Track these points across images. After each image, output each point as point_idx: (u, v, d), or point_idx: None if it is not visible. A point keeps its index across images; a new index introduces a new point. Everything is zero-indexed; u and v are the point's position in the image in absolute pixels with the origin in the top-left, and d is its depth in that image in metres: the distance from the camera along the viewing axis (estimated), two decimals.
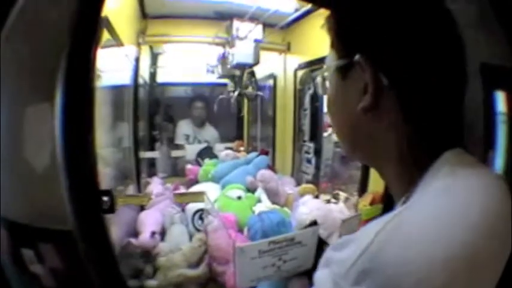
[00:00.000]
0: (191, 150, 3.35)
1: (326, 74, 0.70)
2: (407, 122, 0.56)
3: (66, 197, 0.88)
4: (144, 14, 2.64)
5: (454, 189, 0.49)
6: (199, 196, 1.90)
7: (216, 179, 2.59)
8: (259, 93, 2.99)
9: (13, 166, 0.92)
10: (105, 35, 1.52)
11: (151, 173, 3.08)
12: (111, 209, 1.10)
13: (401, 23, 0.56)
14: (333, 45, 0.64)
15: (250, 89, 2.92)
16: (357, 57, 0.57)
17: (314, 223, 1.66)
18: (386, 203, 1.68)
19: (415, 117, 0.56)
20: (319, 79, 0.73)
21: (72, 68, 0.88)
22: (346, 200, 2.26)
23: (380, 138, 0.60)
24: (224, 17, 2.62)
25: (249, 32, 2.54)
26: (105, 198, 1.04)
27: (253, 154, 2.92)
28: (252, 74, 2.90)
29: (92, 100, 0.93)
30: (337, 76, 0.63)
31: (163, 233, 1.89)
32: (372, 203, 1.83)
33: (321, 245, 1.61)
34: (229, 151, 3.15)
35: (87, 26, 0.91)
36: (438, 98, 0.56)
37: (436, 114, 0.56)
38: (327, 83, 0.70)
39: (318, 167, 2.92)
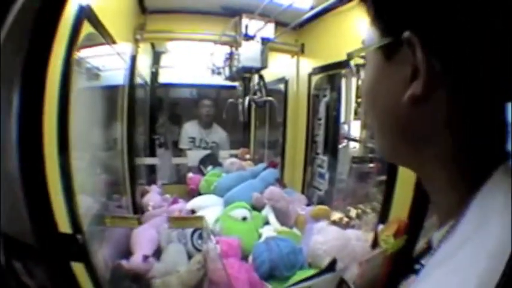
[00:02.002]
0: (193, 157, 3.24)
1: (362, 55, 0.61)
2: (462, 120, 0.49)
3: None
4: (143, 9, 2.46)
5: None
6: (197, 221, 1.77)
7: (219, 192, 2.49)
8: (269, 98, 2.77)
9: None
10: (87, 28, 1.32)
11: (151, 180, 2.98)
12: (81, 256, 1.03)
13: None
14: (374, 21, 0.55)
15: (258, 94, 2.69)
16: (406, 34, 0.47)
17: (333, 263, 1.49)
18: (412, 234, 1.55)
19: (473, 115, 0.48)
20: (352, 63, 0.67)
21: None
22: (359, 216, 2.17)
23: (428, 139, 0.52)
24: (232, 13, 2.43)
25: (258, 30, 2.34)
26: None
27: (261, 166, 2.83)
28: (261, 77, 2.68)
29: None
30: (379, 58, 0.54)
31: (159, 252, 1.81)
32: (396, 234, 1.62)
33: (341, 284, 1.45)
34: (234, 159, 3.06)
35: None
36: (503, 96, 0.49)
37: (497, 116, 0.50)
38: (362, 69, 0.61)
39: (331, 183, 2.74)
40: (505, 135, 0.51)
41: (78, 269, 1.04)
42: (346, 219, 2.14)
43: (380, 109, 0.57)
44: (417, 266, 1.48)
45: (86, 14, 1.25)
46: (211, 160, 3.17)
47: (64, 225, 0.99)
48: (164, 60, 3.45)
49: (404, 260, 1.49)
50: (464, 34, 0.46)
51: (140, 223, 1.82)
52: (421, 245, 1.54)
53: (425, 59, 0.47)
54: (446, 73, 0.47)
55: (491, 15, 0.45)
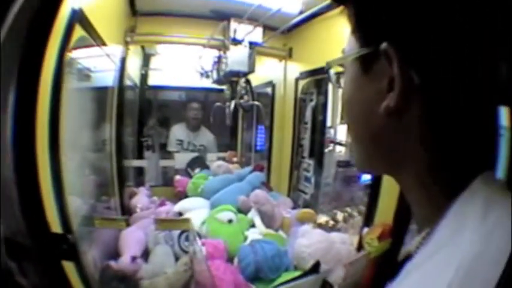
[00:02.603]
0: (181, 160, 3.23)
1: (337, 62, 0.63)
2: (437, 135, 0.48)
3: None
4: (134, 11, 2.46)
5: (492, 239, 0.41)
6: (184, 223, 1.77)
7: (206, 195, 2.50)
8: (256, 103, 2.77)
9: None
10: (79, 32, 1.33)
11: (139, 182, 2.96)
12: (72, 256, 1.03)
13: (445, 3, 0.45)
14: (354, 30, 0.55)
15: (245, 98, 2.69)
16: (383, 45, 0.47)
17: (316, 265, 1.50)
18: (396, 237, 1.56)
19: (448, 130, 0.48)
20: (332, 71, 0.67)
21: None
22: (345, 219, 2.17)
23: (402, 150, 0.51)
24: (221, 17, 2.44)
25: (246, 34, 2.34)
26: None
27: (247, 169, 2.83)
28: (248, 82, 2.67)
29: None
30: (357, 68, 0.54)
31: (147, 253, 1.81)
32: (380, 237, 1.64)
33: (324, 286, 1.45)
34: (221, 162, 3.06)
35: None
36: (481, 108, 0.48)
37: (475, 128, 0.48)
38: (342, 77, 0.61)
39: (317, 187, 2.76)
40: (485, 146, 0.50)
41: (69, 269, 1.04)
42: (332, 222, 2.14)
43: (356, 119, 0.57)
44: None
45: (78, 18, 1.24)
46: (198, 163, 3.16)
47: (55, 226, 0.99)
48: (154, 62, 3.44)
49: (389, 263, 1.50)
50: (442, 48, 0.46)
51: (128, 225, 1.82)
52: (406, 248, 1.55)
53: (402, 72, 0.47)
54: (422, 86, 0.47)
55: (471, 30, 0.45)
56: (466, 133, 0.49)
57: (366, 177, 2.55)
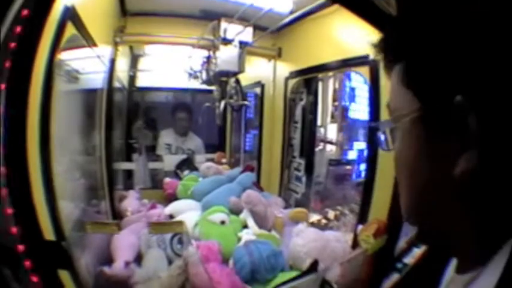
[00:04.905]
0: (169, 162, 3.21)
1: (393, 124, 0.54)
2: (494, 193, 0.44)
3: None
4: (124, 11, 2.43)
5: None
6: (177, 226, 1.77)
7: (196, 197, 2.47)
8: (245, 102, 2.77)
9: None
10: (71, 29, 1.29)
11: (129, 185, 2.95)
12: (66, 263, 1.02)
13: None
14: (408, 84, 0.49)
15: (235, 98, 2.68)
16: (458, 98, 0.42)
17: (314, 264, 1.48)
18: (392, 234, 1.58)
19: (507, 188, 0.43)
20: (383, 134, 0.56)
21: None
22: (337, 218, 2.17)
23: (463, 203, 0.47)
24: (211, 17, 2.42)
25: (237, 34, 2.33)
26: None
27: (237, 170, 2.80)
28: (237, 81, 2.67)
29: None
30: (419, 127, 0.48)
31: (139, 258, 1.79)
32: (376, 234, 1.65)
33: (323, 284, 1.50)
34: (210, 163, 3.04)
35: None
36: None
37: None
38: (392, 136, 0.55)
39: (308, 186, 2.75)
40: None
41: (63, 275, 1.02)
42: (324, 221, 2.15)
43: (420, 182, 0.51)
44: (399, 265, 1.51)
45: (70, 15, 1.22)
46: (187, 165, 3.15)
47: (47, 232, 0.97)
48: (142, 63, 3.41)
49: (386, 259, 1.51)
50: None
51: (120, 229, 1.80)
52: (401, 244, 1.56)
53: (481, 127, 0.42)
54: (502, 142, 0.42)
55: None
56: None
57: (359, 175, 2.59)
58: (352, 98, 3.00)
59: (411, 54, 0.48)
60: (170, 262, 1.75)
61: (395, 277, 1.48)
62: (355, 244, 1.73)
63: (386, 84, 1.74)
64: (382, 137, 0.56)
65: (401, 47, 0.50)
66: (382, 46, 0.54)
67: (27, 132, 0.88)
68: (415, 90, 0.48)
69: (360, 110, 3.02)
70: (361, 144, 2.96)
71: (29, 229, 0.89)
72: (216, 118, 2.82)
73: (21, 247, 0.84)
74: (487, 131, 0.41)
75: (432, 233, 0.54)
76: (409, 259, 1.52)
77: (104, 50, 2.11)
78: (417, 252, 1.52)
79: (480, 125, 0.41)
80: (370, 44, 0.55)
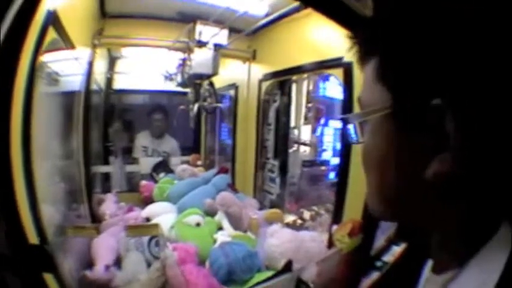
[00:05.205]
0: (146, 165, 3.20)
1: (363, 118, 0.52)
2: (477, 192, 0.44)
3: None
4: (104, 13, 2.39)
5: None
6: (153, 229, 1.77)
7: (172, 199, 2.49)
8: (219, 105, 2.79)
9: None
10: (52, 34, 1.28)
11: (106, 188, 2.92)
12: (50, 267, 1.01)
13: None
14: (384, 80, 0.47)
15: (209, 101, 2.68)
16: (436, 101, 0.40)
17: (288, 264, 1.50)
18: (367, 233, 1.58)
19: (491, 187, 0.43)
20: (352, 125, 0.53)
21: None
22: (312, 218, 2.19)
23: (434, 204, 0.46)
24: (187, 19, 2.41)
25: (212, 36, 2.33)
26: None
27: (212, 172, 2.81)
28: (211, 84, 2.68)
29: None
30: (391, 123, 0.46)
31: (119, 261, 1.77)
32: (351, 233, 1.66)
33: (299, 284, 1.50)
34: (185, 166, 3.04)
35: None
36: None
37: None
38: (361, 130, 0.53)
39: (283, 187, 2.78)
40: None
41: (49, 280, 1.00)
42: (299, 221, 2.17)
43: (389, 179, 0.50)
44: (379, 263, 1.53)
45: (52, 20, 1.20)
46: (163, 167, 3.15)
47: (31, 236, 0.96)
48: (119, 65, 3.38)
49: (363, 258, 1.53)
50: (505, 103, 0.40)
51: (99, 232, 1.80)
52: (380, 242, 1.59)
53: (458, 130, 0.41)
54: (479, 146, 0.41)
55: None
56: (504, 189, 0.44)
57: (332, 176, 2.62)
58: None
59: (390, 49, 0.47)
60: (149, 265, 1.73)
61: (375, 275, 1.50)
62: (331, 244, 1.74)
63: (360, 86, 1.79)
64: (352, 130, 0.54)
65: (379, 41, 0.48)
66: (358, 38, 0.54)
67: (11, 136, 0.87)
68: (390, 86, 0.46)
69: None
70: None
71: (14, 233, 0.88)
72: (190, 121, 2.81)
73: (7, 251, 0.83)
74: (464, 134, 0.41)
75: (407, 230, 0.55)
76: (389, 257, 1.55)
77: (83, 52, 2.08)
78: (396, 250, 1.54)
79: (457, 127, 0.40)
80: (346, 35, 0.54)
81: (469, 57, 0.40)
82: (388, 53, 0.47)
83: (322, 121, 3.01)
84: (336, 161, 2.77)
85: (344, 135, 1.75)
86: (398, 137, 0.46)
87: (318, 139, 3.01)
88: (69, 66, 1.84)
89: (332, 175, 2.73)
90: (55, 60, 1.50)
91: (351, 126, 0.53)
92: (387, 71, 0.47)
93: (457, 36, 0.41)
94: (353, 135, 0.53)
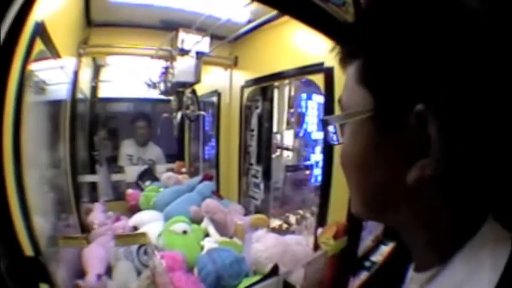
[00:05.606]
0: (131, 173, 3.19)
1: (344, 120, 0.52)
2: (459, 193, 0.45)
3: None
4: (89, 21, 2.37)
5: None
6: (141, 238, 1.77)
7: (158, 207, 2.49)
8: (202, 113, 2.80)
9: None
10: (39, 45, 1.27)
11: (93, 198, 2.86)
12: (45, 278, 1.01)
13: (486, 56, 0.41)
14: (366, 83, 0.47)
15: (191, 108, 2.69)
16: (419, 106, 0.41)
17: (275, 268, 1.51)
18: (352, 234, 1.61)
19: (474, 185, 0.45)
20: (332, 127, 0.54)
21: None
22: (298, 221, 2.22)
23: (416, 206, 0.47)
24: (170, 27, 2.42)
25: (194, 44, 2.34)
26: None
27: (197, 179, 2.82)
28: (193, 92, 2.70)
29: None
30: (372, 126, 0.47)
31: (109, 270, 1.78)
32: (335, 236, 1.68)
33: (286, 287, 1.49)
34: (170, 173, 3.05)
35: None
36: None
37: (499, 179, 0.45)
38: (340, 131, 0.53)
39: (267, 192, 2.80)
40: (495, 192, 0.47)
41: None
42: (285, 225, 2.18)
43: (369, 182, 0.50)
44: (367, 263, 1.55)
45: (39, 32, 1.20)
46: (148, 175, 3.14)
47: (26, 248, 0.95)
48: (104, 74, 3.33)
49: (349, 259, 1.56)
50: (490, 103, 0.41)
51: (88, 242, 1.80)
52: (368, 243, 1.61)
53: (438, 135, 0.41)
54: (463, 150, 0.42)
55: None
56: (488, 187, 0.46)
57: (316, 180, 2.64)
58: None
59: (374, 52, 0.47)
60: (139, 273, 1.74)
61: (364, 275, 1.53)
62: (317, 247, 1.75)
63: (340, 91, 1.82)
64: (332, 131, 0.54)
65: (364, 43, 0.48)
66: (342, 39, 0.54)
67: (3, 147, 0.87)
68: (373, 89, 0.46)
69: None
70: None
71: (11, 246, 0.88)
72: (173, 129, 2.81)
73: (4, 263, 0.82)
74: (446, 139, 0.41)
75: (391, 230, 0.56)
76: (377, 257, 1.57)
77: (68, 62, 2.07)
78: (384, 249, 1.57)
79: (439, 132, 0.41)
80: (329, 36, 0.55)
81: (453, 62, 0.41)
82: (371, 56, 0.47)
83: (305, 126, 3.03)
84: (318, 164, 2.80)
85: (325, 138, 1.78)
86: (379, 140, 0.46)
87: (301, 143, 3.03)
88: (56, 75, 1.83)
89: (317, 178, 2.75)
90: (42, 69, 1.49)
91: (331, 128, 0.54)
92: (370, 74, 0.47)
93: (442, 42, 0.41)
94: (333, 137, 0.54)
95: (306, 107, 2.98)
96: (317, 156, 2.91)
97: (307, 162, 2.89)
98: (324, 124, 0.55)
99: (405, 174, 0.44)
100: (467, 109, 0.41)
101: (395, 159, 0.45)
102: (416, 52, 0.42)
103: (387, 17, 0.46)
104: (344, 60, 0.52)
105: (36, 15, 0.95)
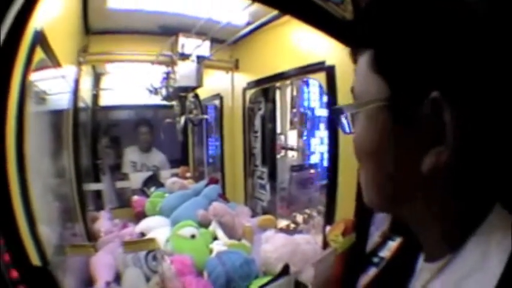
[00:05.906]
0: (136, 180, 3.20)
1: (358, 108, 0.52)
2: (471, 179, 0.45)
3: None
4: (87, 29, 2.38)
5: None
6: (149, 243, 1.77)
7: (164, 213, 2.49)
8: (205, 116, 2.80)
9: None
10: (39, 54, 1.27)
11: (99, 206, 2.88)
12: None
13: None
14: (380, 72, 0.47)
15: (194, 113, 2.69)
16: (434, 93, 0.41)
17: (286, 268, 1.51)
18: (360, 231, 1.58)
19: (483, 175, 0.45)
20: (345, 117, 0.53)
21: None
22: (305, 221, 2.20)
23: (430, 196, 0.47)
24: (169, 32, 2.42)
25: (195, 48, 2.34)
26: None
27: (202, 183, 2.81)
28: (196, 96, 2.70)
29: None
30: (386, 115, 0.46)
31: (118, 277, 1.79)
32: (344, 233, 1.68)
33: (298, 286, 1.51)
34: (175, 179, 3.05)
35: None
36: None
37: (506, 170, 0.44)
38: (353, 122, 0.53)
39: (273, 193, 2.79)
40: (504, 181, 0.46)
41: None
42: (293, 225, 2.18)
43: (385, 172, 0.50)
44: (376, 259, 1.54)
45: (39, 40, 1.20)
46: (153, 181, 3.15)
47: (33, 258, 0.95)
48: (104, 82, 3.35)
49: (358, 255, 1.55)
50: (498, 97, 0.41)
51: (96, 250, 1.80)
52: (375, 238, 1.60)
53: (456, 122, 0.41)
54: (475, 137, 0.42)
55: None
56: (498, 174, 0.45)
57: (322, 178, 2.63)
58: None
59: (388, 40, 0.47)
60: (148, 279, 1.75)
61: (372, 271, 1.52)
62: (325, 245, 1.75)
63: (342, 89, 1.82)
64: (344, 121, 0.53)
65: (376, 32, 0.48)
66: (352, 29, 0.54)
67: (7, 157, 0.87)
68: (387, 77, 0.46)
69: None
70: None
71: (19, 256, 0.87)
72: (177, 134, 2.81)
73: (15, 273, 0.82)
74: (461, 127, 0.41)
75: (401, 221, 0.56)
76: (385, 252, 1.55)
77: (69, 70, 2.07)
78: (392, 245, 1.55)
79: (454, 120, 0.41)
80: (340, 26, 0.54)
81: (468, 49, 0.41)
82: (386, 44, 0.47)
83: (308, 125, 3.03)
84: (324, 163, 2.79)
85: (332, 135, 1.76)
86: (393, 128, 0.46)
87: (305, 143, 3.03)
88: (56, 85, 1.84)
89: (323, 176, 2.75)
90: (42, 79, 1.50)
91: (343, 118, 0.53)
92: (385, 62, 0.47)
93: (456, 28, 0.42)
94: (345, 127, 0.53)
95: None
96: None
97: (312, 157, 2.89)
98: (336, 113, 0.55)
99: (420, 162, 0.44)
100: (481, 95, 0.41)
101: (410, 147, 0.45)
102: (431, 38, 0.42)
103: (400, 4, 0.46)
104: (355, 51, 0.52)
105: (35, 23, 0.96)
